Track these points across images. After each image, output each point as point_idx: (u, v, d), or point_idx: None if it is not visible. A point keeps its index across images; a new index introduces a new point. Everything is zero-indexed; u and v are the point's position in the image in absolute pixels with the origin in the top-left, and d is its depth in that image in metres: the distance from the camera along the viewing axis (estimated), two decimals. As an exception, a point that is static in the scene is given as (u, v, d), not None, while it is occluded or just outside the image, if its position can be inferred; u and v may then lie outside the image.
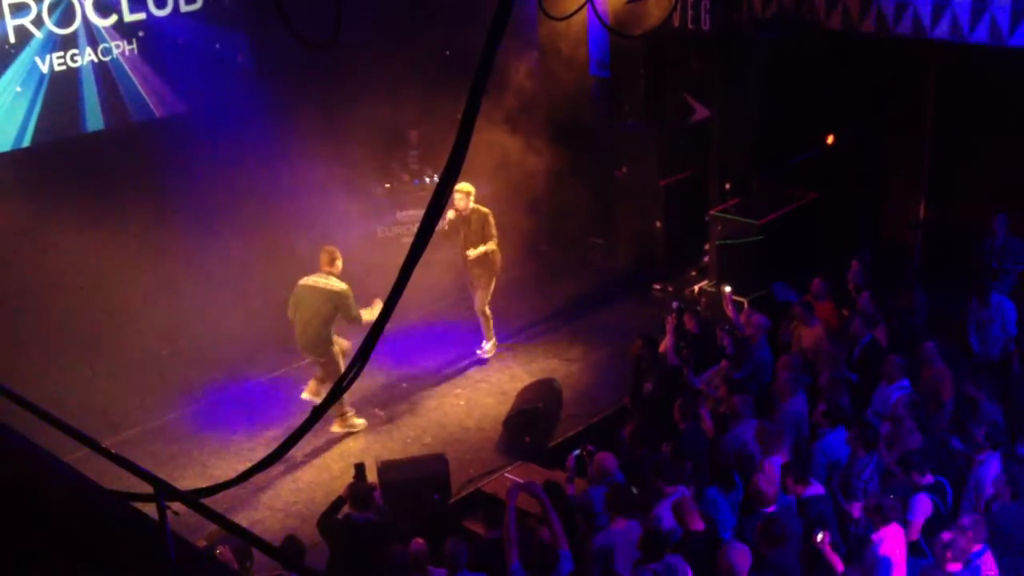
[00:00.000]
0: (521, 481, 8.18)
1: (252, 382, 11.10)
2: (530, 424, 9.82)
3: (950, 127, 11.49)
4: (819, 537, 6.67)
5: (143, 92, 10.51)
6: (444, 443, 9.90)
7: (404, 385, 11.01)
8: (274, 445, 3.96)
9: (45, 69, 9.84)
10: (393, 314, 3.20)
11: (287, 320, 9.99)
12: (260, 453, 9.46)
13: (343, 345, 10.00)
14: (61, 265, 9.88)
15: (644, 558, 6.43)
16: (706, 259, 12.47)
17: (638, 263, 13.12)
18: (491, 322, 11.42)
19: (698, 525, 6.78)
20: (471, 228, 10.91)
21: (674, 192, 12.80)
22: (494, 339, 11.50)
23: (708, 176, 12.52)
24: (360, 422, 10.24)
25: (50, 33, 9.80)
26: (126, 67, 10.33)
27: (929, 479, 7.22)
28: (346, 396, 10.02)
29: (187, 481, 9.23)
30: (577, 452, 8.12)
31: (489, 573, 6.72)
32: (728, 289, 10.27)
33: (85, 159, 10.22)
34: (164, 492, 3.44)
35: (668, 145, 12.74)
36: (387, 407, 10.62)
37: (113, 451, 3.81)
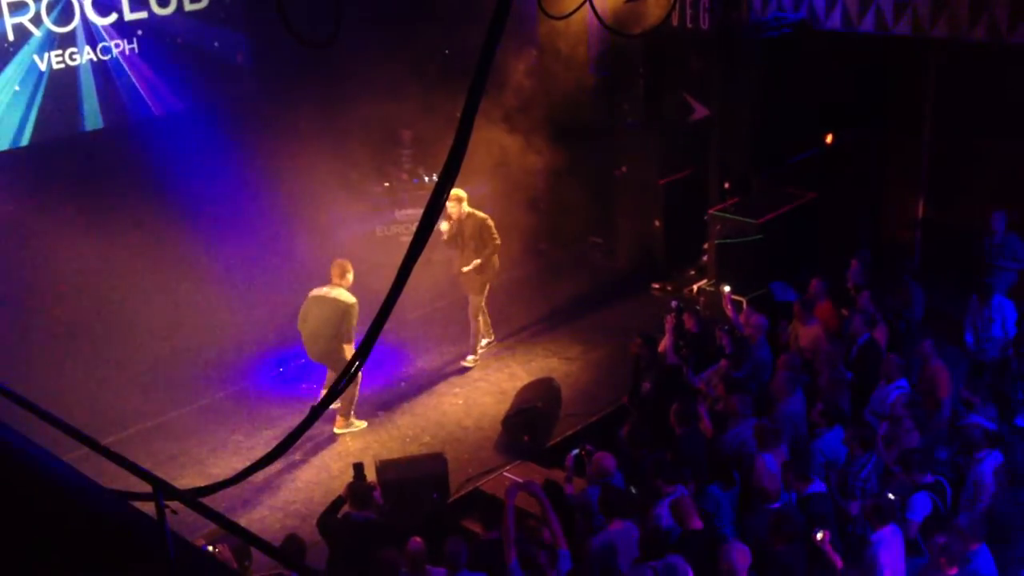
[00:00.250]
0: (520, 480, 8.20)
1: (251, 382, 11.09)
2: (529, 423, 9.80)
3: (949, 127, 11.50)
4: (819, 535, 6.68)
5: (142, 91, 10.49)
6: (443, 442, 9.90)
7: (403, 384, 11.02)
8: (273, 444, 3.96)
9: (44, 68, 9.83)
10: (392, 314, 3.20)
11: (287, 319, 9.98)
12: (259, 452, 9.41)
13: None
14: (59, 263, 9.87)
15: (644, 557, 6.44)
16: (705, 258, 12.48)
17: (637, 262, 13.12)
18: (487, 327, 11.35)
19: (696, 524, 6.79)
20: (466, 235, 10.74)
21: (673, 191, 12.81)
22: (489, 338, 11.43)
23: (707, 175, 12.52)
24: (360, 423, 10.24)
25: (49, 31, 9.78)
26: (125, 66, 10.31)
27: (929, 478, 7.23)
28: (356, 396, 10.07)
29: (186, 480, 9.22)
30: (576, 451, 8.12)
31: (488, 572, 6.72)
32: (727, 288, 10.28)
33: (84, 158, 10.21)
34: (163, 491, 3.43)
35: (667, 144, 12.75)
36: (386, 407, 10.62)
37: (112, 450, 3.81)
